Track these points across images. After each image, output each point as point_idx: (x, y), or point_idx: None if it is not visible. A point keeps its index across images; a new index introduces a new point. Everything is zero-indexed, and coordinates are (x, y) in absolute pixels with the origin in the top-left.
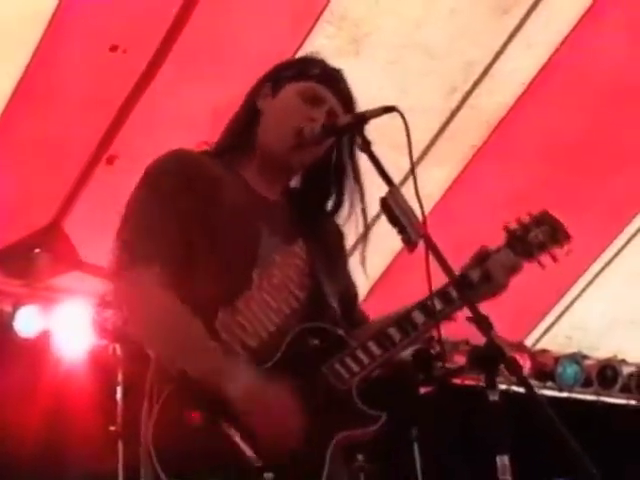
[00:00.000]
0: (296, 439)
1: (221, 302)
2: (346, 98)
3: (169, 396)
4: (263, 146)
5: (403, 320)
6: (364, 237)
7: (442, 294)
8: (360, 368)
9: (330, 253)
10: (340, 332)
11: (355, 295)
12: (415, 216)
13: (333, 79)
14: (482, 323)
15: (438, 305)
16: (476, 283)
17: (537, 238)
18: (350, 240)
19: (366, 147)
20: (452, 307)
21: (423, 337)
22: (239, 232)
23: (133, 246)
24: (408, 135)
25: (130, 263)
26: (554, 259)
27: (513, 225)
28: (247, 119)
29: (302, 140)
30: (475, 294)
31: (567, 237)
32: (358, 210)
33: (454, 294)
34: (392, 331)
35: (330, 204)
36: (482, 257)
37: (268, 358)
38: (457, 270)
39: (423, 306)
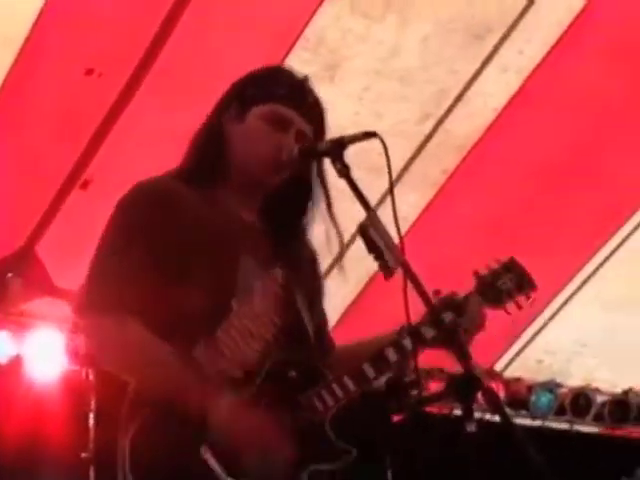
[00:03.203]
0: (282, 461)
1: (201, 332)
2: (313, 113)
3: (146, 419)
4: (239, 168)
5: (377, 358)
6: (340, 259)
7: (415, 333)
8: (334, 402)
9: (306, 280)
10: (318, 364)
11: (326, 322)
12: (393, 243)
13: (299, 97)
14: (460, 352)
15: (409, 345)
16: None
17: (505, 285)
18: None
19: (345, 172)
20: (424, 346)
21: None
22: (217, 259)
23: (97, 293)
24: (388, 159)
25: (92, 310)
26: (518, 307)
27: (483, 271)
28: (216, 140)
29: (280, 164)
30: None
31: (533, 286)
32: (332, 233)
33: (427, 334)
34: (366, 367)
35: (303, 225)
36: (454, 303)
37: (247, 386)
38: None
39: (397, 344)
